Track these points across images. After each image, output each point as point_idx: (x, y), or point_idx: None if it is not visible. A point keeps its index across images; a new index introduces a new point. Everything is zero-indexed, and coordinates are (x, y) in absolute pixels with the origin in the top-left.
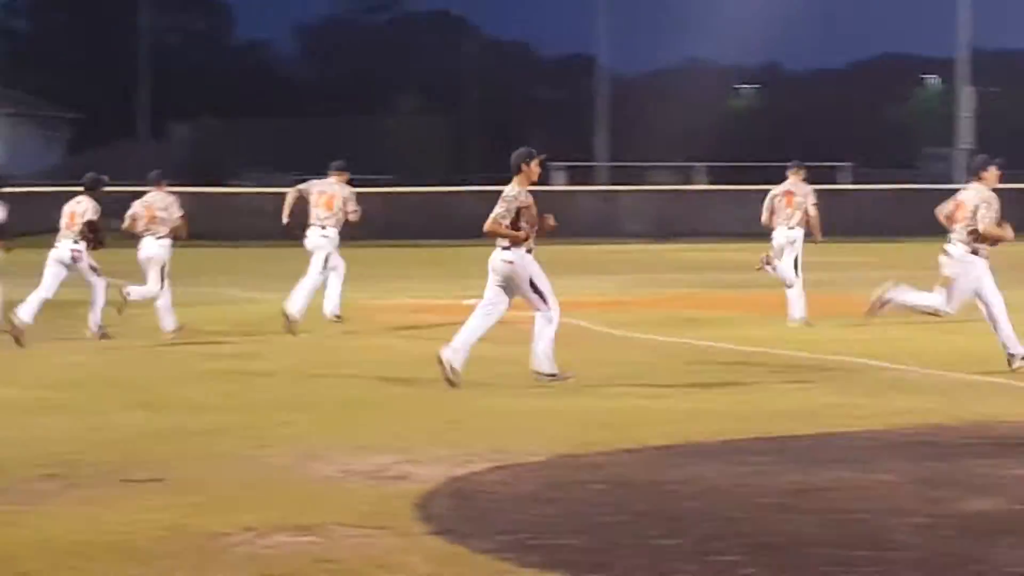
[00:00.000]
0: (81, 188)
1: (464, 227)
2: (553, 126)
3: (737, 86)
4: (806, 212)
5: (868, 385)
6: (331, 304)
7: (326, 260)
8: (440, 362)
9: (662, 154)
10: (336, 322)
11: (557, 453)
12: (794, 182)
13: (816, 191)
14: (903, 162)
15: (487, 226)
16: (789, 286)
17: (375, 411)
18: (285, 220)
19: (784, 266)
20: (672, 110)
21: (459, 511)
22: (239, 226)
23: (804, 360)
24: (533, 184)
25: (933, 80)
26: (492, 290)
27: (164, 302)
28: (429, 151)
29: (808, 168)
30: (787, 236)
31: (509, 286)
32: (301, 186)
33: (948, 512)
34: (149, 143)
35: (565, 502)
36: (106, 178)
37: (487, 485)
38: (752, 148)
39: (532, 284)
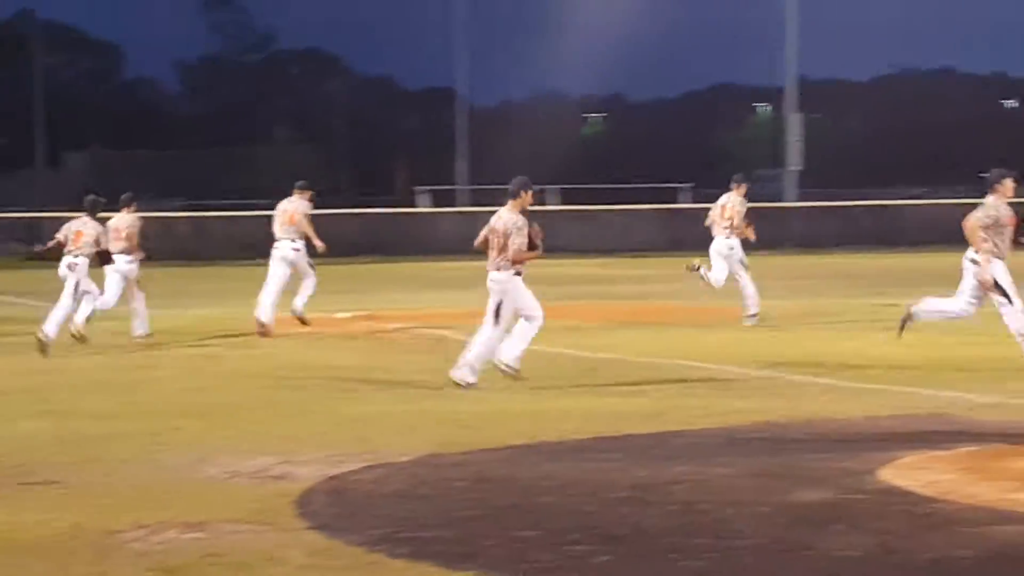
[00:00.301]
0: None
1: (337, 246)
2: (417, 153)
3: (585, 115)
4: (736, 224)
5: (708, 387)
6: (300, 302)
7: (311, 266)
8: (504, 371)
9: (292, 186)
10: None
11: (424, 453)
12: (732, 196)
13: (749, 206)
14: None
15: (513, 256)
16: (716, 287)
17: (259, 416)
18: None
19: (714, 273)
20: (527, 137)
21: (335, 507)
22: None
23: (650, 364)
24: (523, 210)
25: (764, 108)
26: (507, 309)
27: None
28: (302, 178)
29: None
30: (727, 244)
31: (506, 301)
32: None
33: (782, 502)
34: (45, 172)
35: (432, 498)
36: (103, 200)
37: (360, 483)
38: (600, 171)
39: (499, 307)
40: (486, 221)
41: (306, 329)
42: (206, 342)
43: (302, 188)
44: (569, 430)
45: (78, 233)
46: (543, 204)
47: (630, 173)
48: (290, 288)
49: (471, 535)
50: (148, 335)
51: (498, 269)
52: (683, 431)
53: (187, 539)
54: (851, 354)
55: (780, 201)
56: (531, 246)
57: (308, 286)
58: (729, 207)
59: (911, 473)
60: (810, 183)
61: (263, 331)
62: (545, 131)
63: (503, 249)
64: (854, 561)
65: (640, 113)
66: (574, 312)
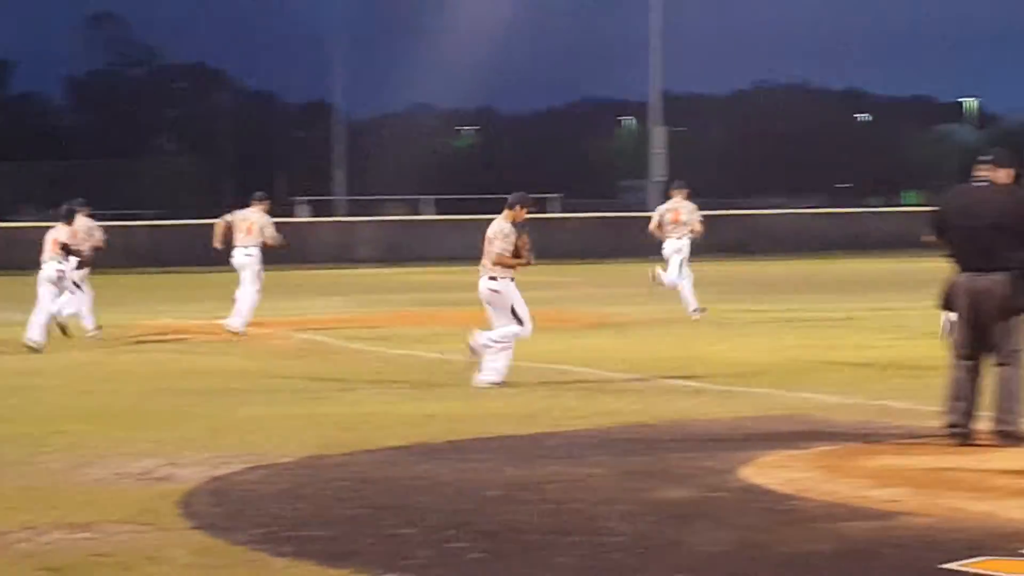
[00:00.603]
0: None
1: (220, 255)
2: (297, 165)
3: (458, 127)
4: (693, 226)
5: (579, 389)
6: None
7: (259, 275)
8: (470, 349)
9: (393, 188)
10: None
11: (306, 455)
12: (678, 200)
13: (698, 208)
14: (605, 193)
15: (496, 259)
16: (673, 287)
17: (144, 420)
18: (217, 246)
19: (667, 275)
20: (402, 149)
21: (218, 508)
22: (18, 257)
23: (522, 368)
24: (516, 222)
25: (629, 120)
26: (521, 309)
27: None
28: (187, 188)
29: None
30: (675, 246)
31: (494, 308)
32: (227, 216)
33: (650, 500)
34: None
35: (313, 498)
36: (76, 208)
37: (243, 484)
38: (472, 182)
39: (512, 309)
40: (363, 230)
41: (189, 335)
42: (91, 347)
43: (260, 199)
44: (445, 432)
45: (53, 241)
46: (419, 213)
47: (501, 184)
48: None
49: (351, 533)
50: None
51: (492, 278)
52: (555, 432)
53: (73, 539)
54: (717, 358)
55: (645, 210)
56: (517, 255)
57: (249, 296)
58: (685, 212)
59: (771, 472)
60: None
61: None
62: (419, 143)
63: (490, 255)
64: (717, 556)
65: (511, 125)
66: (450, 318)
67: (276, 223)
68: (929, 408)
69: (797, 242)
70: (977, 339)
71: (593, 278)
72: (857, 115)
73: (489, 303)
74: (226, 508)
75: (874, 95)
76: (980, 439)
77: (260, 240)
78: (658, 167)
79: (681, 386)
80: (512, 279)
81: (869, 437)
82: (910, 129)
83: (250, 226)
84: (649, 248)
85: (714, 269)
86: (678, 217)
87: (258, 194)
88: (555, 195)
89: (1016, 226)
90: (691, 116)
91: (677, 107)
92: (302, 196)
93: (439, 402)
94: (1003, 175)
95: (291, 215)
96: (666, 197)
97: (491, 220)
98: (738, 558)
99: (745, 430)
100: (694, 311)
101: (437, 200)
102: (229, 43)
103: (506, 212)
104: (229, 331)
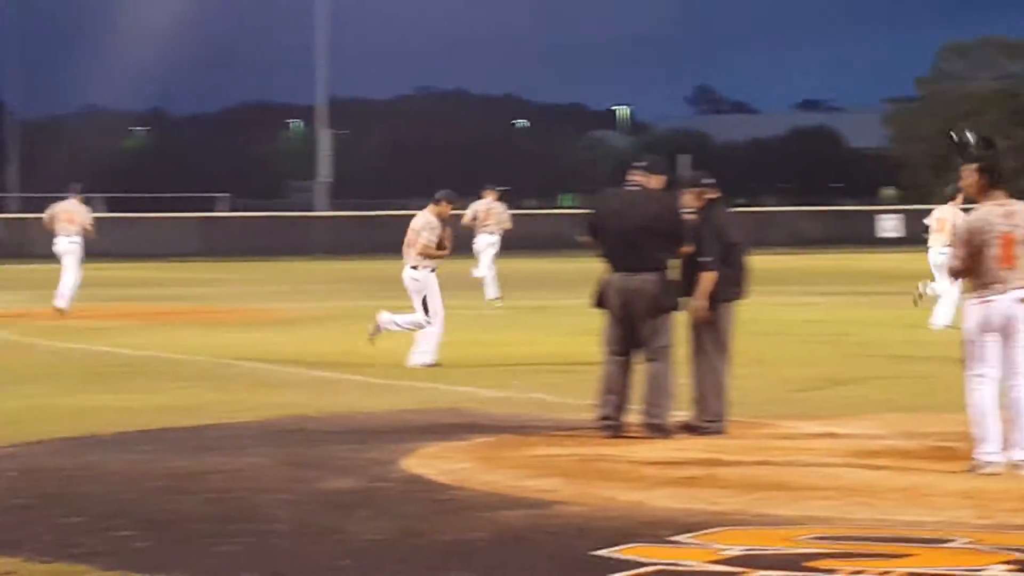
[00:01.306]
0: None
1: None
2: None
3: (132, 127)
4: (504, 224)
5: (245, 383)
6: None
7: (80, 262)
8: (373, 330)
9: (66, 186)
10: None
11: None
12: (490, 201)
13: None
14: (272, 193)
15: (421, 250)
16: (481, 277)
17: None
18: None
19: (480, 270)
20: (75, 148)
21: None
22: None
23: (188, 361)
24: (441, 216)
25: (297, 123)
26: (433, 302)
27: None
28: None
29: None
30: (488, 240)
31: (412, 294)
32: (49, 210)
33: (313, 490)
34: None
35: None
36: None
37: None
38: (145, 181)
39: (424, 300)
40: (36, 227)
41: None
42: None
43: (78, 192)
44: (114, 423)
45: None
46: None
47: (171, 183)
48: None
49: (20, 522)
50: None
51: (415, 267)
52: (220, 424)
53: None
54: (378, 352)
55: (311, 211)
56: (440, 246)
57: (70, 281)
58: (496, 212)
59: (431, 462)
60: (341, 194)
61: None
62: (92, 143)
63: (413, 245)
64: (379, 544)
65: (182, 127)
66: (116, 312)
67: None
68: (583, 402)
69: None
70: (628, 336)
71: (260, 276)
72: (515, 121)
73: (408, 289)
74: None
75: (532, 102)
76: (630, 431)
77: (81, 228)
78: (324, 169)
79: (345, 380)
80: (433, 270)
81: (525, 429)
82: (566, 135)
83: (72, 216)
84: (310, 247)
85: (378, 267)
86: (490, 215)
87: (75, 185)
88: (224, 195)
89: (666, 229)
90: (356, 120)
91: (343, 111)
92: None
93: (108, 395)
94: (655, 181)
95: None
96: (478, 196)
97: (163, 218)
98: (400, 546)
99: (405, 422)
100: (494, 299)
101: (108, 198)
102: None
103: (432, 207)
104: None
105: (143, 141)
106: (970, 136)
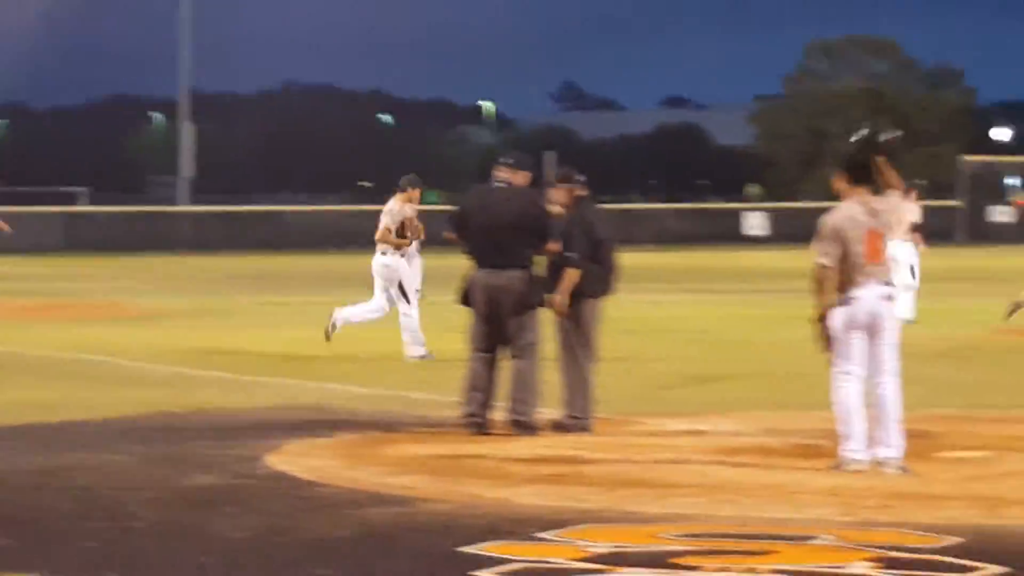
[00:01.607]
0: None
1: None
2: None
3: None
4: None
5: (108, 379)
6: None
7: None
8: (330, 326)
9: None
10: None
11: None
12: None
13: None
14: (134, 188)
15: (377, 235)
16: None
17: None
18: None
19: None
20: None
21: None
22: None
23: (50, 358)
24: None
25: (159, 117)
26: (409, 286)
27: None
28: None
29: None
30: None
31: (382, 280)
32: None
33: (176, 487)
34: None
35: None
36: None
37: None
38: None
39: (400, 285)
40: None
41: None
42: None
43: None
44: None
45: None
46: None
47: (32, 177)
48: None
49: None
50: None
51: (384, 253)
52: (83, 421)
53: None
54: (241, 349)
55: (173, 206)
56: (402, 234)
57: None
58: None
59: (296, 459)
60: (205, 189)
61: None
62: None
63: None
64: (244, 541)
65: (42, 120)
66: None
67: None
68: (448, 399)
69: (322, 237)
70: (494, 332)
71: (121, 271)
72: (380, 116)
73: (378, 275)
74: None
75: (397, 97)
76: (496, 428)
77: None
78: (187, 164)
79: (208, 376)
80: (403, 255)
81: (390, 426)
82: (432, 130)
83: None
84: (172, 243)
85: (241, 263)
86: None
87: None
88: (84, 189)
89: (532, 226)
90: (220, 114)
91: (207, 105)
92: None
93: None
94: (521, 177)
95: None
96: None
97: (23, 213)
98: (264, 543)
99: (270, 418)
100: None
101: None
102: None
103: (398, 194)
104: None
105: (2, 134)
106: (863, 134)
